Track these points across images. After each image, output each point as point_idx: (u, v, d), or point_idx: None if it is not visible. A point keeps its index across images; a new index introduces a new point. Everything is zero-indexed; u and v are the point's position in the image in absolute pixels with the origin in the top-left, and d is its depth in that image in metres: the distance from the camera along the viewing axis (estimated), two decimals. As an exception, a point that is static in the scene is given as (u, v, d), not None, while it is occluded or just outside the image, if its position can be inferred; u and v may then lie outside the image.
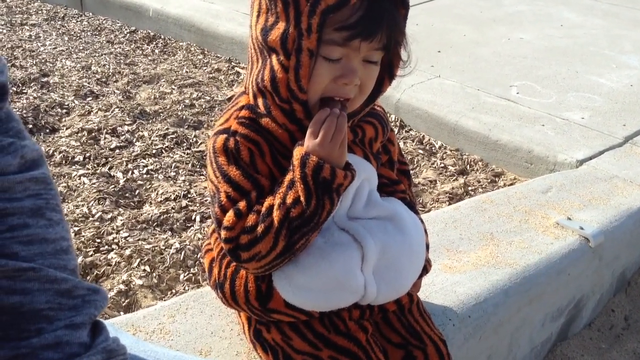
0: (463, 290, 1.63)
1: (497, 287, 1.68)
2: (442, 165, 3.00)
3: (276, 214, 1.08)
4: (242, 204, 1.11)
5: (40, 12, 4.76)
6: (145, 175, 2.75)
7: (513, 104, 3.18)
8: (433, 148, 3.12)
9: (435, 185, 2.86)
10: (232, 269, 1.20)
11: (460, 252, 1.82)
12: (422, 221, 1.33)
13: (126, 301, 2.04)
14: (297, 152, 1.08)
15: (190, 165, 2.84)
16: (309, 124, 1.10)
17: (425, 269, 1.44)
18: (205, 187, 2.68)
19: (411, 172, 2.95)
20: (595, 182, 2.43)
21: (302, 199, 1.07)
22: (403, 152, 2.99)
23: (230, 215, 1.10)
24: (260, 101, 1.13)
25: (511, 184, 2.82)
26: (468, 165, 3.01)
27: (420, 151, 3.08)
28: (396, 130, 3.22)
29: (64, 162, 2.80)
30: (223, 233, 1.11)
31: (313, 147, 1.07)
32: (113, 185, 2.64)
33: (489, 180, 2.89)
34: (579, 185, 2.38)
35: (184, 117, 3.28)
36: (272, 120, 1.13)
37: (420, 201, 2.74)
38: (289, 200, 1.08)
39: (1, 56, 0.72)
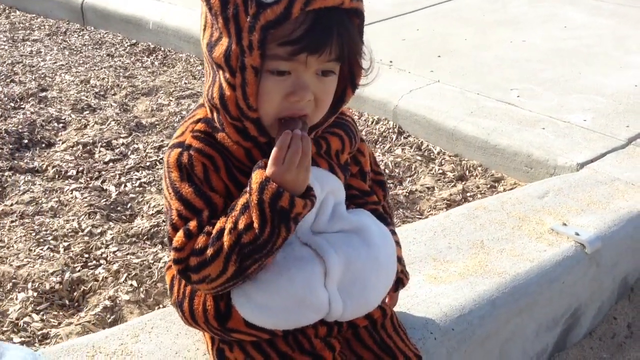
0: (447, 302, 1.57)
1: (483, 297, 1.62)
2: (441, 171, 2.94)
3: (227, 239, 1.04)
4: (192, 224, 1.07)
5: (42, 27, 4.78)
6: (137, 188, 2.72)
7: (513, 108, 3.11)
8: (431, 154, 3.06)
9: (433, 192, 2.80)
10: (191, 287, 1.16)
11: (447, 262, 1.76)
12: (394, 233, 1.28)
13: (111, 317, 2.00)
14: (257, 176, 1.02)
15: (183, 177, 2.81)
16: (264, 140, 1.06)
17: (402, 282, 1.39)
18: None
19: (409, 179, 2.91)
20: (595, 185, 2.36)
21: (255, 225, 1.02)
22: (399, 159, 2.95)
23: (180, 236, 1.07)
24: (215, 116, 1.10)
25: (511, 190, 2.75)
26: (467, 171, 2.94)
27: (419, 157, 3.02)
28: (394, 136, 3.17)
29: (57, 176, 2.78)
30: (172, 253, 1.07)
31: (278, 173, 1.01)
32: (105, 199, 2.61)
33: (489, 186, 2.82)
34: (578, 189, 2.31)
35: (180, 128, 3.25)
36: (227, 135, 1.10)
37: (418, 209, 2.69)
38: (241, 225, 1.03)
39: None
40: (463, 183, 2.85)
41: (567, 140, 2.79)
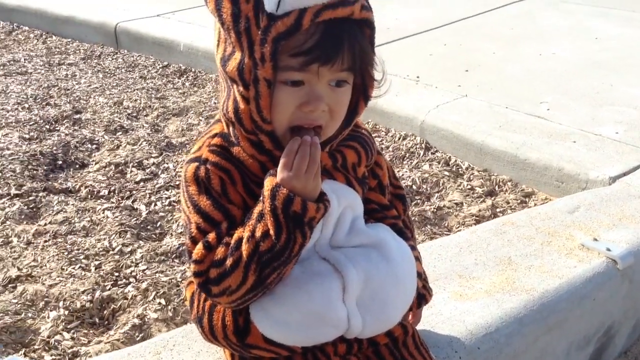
0: (473, 320, 1.54)
1: (510, 315, 1.58)
2: (469, 186, 2.91)
3: (245, 248, 1.04)
4: (211, 236, 1.08)
5: (78, 51, 4.92)
6: (167, 207, 2.76)
7: (543, 121, 3.07)
8: (460, 169, 3.03)
9: (461, 208, 2.77)
10: (210, 302, 1.17)
11: (473, 279, 1.74)
12: (414, 248, 1.27)
13: (140, 335, 2.02)
14: (268, 183, 1.04)
15: (212, 195, 2.84)
16: (279, 154, 1.07)
17: (425, 299, 1.37)
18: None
19: (437, 194, 2.88)
20: (628, 199, 2.30)
21: (271, 232, 1.03)
22: (427, 175, 2.93)
23: (199, 248, 1.08)
24: (231, 130, 1.12)
25: (542, 205, 2.70)
26: (497, 186, 2.90)
27: (446, 173, 2.99)
28: (421, 152, 3.15)
29: (89, 196, 2.84)
30: (192, 266, 1.08)
31: (287, 180, 1.03)
32: (135, 218, 2.66)
33: (519, 201, 2.78)
34: (610, 203, 2.26)
35: (209, 147, 3.29)
36: (242, 149, 1.11)
37: (446, 225, 2.66)
38: (258, 234, 1.04)
39: None
40: (492, 198, 2.81)
41: (599, 154, 2.74)
